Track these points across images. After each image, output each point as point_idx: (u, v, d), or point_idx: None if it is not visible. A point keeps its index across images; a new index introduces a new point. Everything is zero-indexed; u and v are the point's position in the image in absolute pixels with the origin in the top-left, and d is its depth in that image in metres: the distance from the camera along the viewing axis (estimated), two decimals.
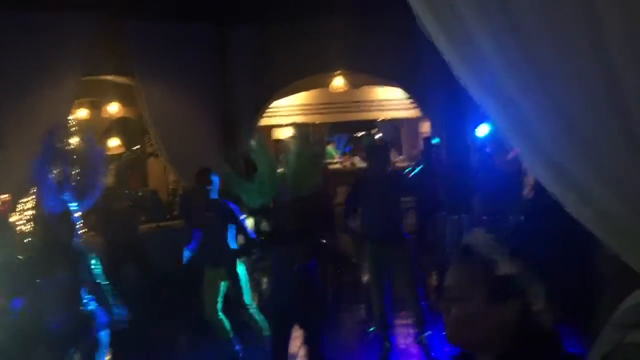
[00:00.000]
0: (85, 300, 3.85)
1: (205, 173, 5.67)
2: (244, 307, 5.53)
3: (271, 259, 4.53)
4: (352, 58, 10.07)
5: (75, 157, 4.14)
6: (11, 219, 9.01)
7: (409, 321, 5.94)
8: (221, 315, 5.45)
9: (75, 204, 4.00)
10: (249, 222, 9.56)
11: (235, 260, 5.44)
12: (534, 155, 1.68)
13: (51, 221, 3.88)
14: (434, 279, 8.18)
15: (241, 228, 5.60)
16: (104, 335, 3.88)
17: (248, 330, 5.59)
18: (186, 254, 5.73)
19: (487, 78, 1.61)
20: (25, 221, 8.86)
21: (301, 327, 4.25)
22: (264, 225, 8.75)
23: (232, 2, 9.41)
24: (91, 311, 3.86)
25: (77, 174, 4.11)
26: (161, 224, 9.49)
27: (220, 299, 5.45)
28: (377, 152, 5.70)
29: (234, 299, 5.59)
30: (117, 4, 8.17)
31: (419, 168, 8.42)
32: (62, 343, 3.78)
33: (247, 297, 5.56)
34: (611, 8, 1.33)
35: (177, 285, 7.07)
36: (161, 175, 11.60)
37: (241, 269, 5.52)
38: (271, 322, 4.57)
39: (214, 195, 5.58)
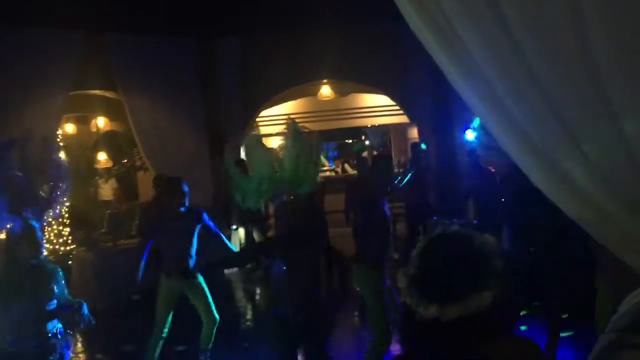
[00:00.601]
0: (51, 324, 3.65)
1: (177, 182, 5.27)
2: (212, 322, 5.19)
3: (273, 266, 4.28)
4: (337, 67, 10.12)
5: (35, 170, 3.94)
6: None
7: None
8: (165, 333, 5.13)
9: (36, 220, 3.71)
10: (240, 232, 9.53)
11: (197, 272, 5.17)
12: (531, 159, 1.69)
13: (12, 241, 3.60)
14: None
15: (217, 236, 5.32)
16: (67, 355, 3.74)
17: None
18: (142, 269, 5.19)
19: (479, 82, 1.62)
20: None
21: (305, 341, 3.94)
22: (258, 235, 8.76)
23: (217, 15, 9.43)
24: (57, 333, 3.67)
25: (39, 188, 3.94)
26: None
27: (170, 317, 5.12)
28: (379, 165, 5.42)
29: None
30: (101, 19, 8.18)
31: (410, 175, 8.44)
32: None
33: (214, 310, 5.24)
34: (597, 12, 1.35)
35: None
36: (151, 189, 11.54)
37: (202, 281, 5.22)
38: (278, 338, 3.98)
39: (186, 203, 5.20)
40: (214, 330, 5.24)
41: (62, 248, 8.92)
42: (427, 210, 8.61)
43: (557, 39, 1.44)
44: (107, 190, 11.30)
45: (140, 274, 5.10)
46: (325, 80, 11.51)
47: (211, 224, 5.35)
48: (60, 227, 9.14)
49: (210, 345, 5.26)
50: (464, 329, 1.52)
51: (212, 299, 5.25)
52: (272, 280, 4.10)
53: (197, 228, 5.22)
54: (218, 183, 8.90)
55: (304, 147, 3.89)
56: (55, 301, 3.64)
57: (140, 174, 10.92)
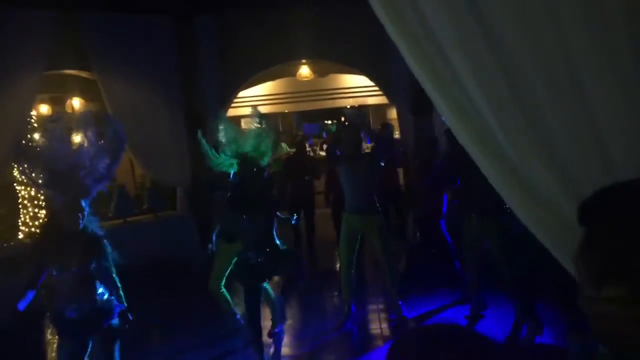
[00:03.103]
0: (100, 289, 3.86)
1: None
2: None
3: (239, 225, 5.05)
4: (316, 47, 10.07)
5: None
6: None
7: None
8: (223, 288, 5.76)
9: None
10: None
11: None
12: (488, 156, 1.68)
13: (59, 210, 3.82)
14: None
15: None
16: (116, 323, 3.89)
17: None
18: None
19: (424, 59, 1.62)
20: None
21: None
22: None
23: None
24: (107, 300, 3.88)
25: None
26: (129, 219, 9.40)
27: (227, 273, 5.74)
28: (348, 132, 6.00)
29: None
30: None
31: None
32: (79, 331, 3.81)
33: None
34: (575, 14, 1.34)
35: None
36: (128, 169, 11.49)
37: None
38: (244, 282, 5.01)
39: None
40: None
41: (39, 230, 8.85)
42: (396, 194, 8.71)
43: (539, 39, 1.42)
44: None
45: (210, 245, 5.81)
46: (304, 61, 11.47)
47: None
48: (36, 210, 9.06)
49: None
50: None
51: None
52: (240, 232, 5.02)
53: None
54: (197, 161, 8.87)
55: (264, 128, 4.87)
56: (98, 267, 3.83)
57: None
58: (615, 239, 1.05)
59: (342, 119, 16.67)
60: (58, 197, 3.80)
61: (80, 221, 3.78)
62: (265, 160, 4.91)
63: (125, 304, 3.95)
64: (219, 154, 4.92)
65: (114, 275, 3.91)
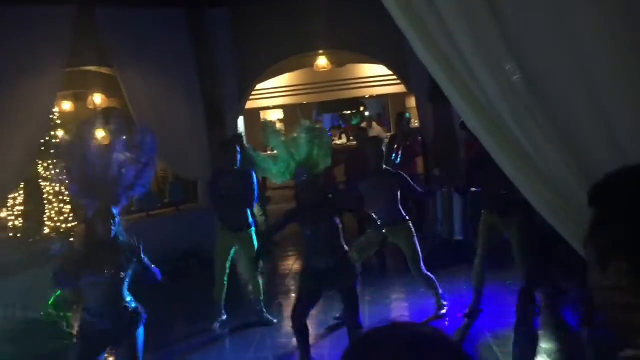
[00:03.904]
0: (128, 298, 3.92)
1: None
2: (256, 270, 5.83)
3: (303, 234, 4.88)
4: (333, 37, 10.03)
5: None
6: (1, 215, 9.07)
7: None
8: (225, 281, 5.98)
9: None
10: None
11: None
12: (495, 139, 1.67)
13: (91, 219, 3.90)
14: None
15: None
16: (141, 333, 3.94)
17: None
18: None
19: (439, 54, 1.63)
20: (15, 217, 8.89)
21: (337, 289, 4.86)
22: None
23: None
24: (134, 308, 3.93)
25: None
26: (151, 212, 9.51)
27: (229, 264, 5.91)
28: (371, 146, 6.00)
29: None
30: None
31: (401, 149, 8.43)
32: (105, 339, 3.87)
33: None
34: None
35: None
36: None
37: (254, 236, 6.04)
38: (303, 286, 4.88)
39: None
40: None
41: (64, 225, 8.99)
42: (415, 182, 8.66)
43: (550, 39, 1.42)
44: None
45: None
46: (321, 51, 11.44)
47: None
48: (61, 205, 9.20)
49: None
50: None
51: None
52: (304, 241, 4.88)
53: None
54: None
55: (316, 135, 4.68)
56: (129, 274, 3.91)
57: None
58: (622, 220, 1.06)
59: (361, 108, 16.69)
60: (90, 204, 3.88)
61: (113, 228, 3.84)
62: (320, 168, 4.71)
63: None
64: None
65: (155, 273, 4.01)
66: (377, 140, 6.09)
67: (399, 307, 6.46)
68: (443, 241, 8.35)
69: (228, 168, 6.05)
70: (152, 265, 4.01)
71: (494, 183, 4.84)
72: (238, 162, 6.03)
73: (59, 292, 6.09)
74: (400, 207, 5.86)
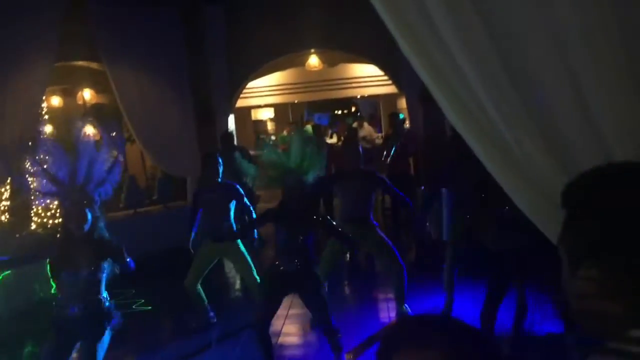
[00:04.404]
0: (104, 294, 3.91)
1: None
2: (252, 282, 5.80)
3: (277, 235, 4.96)
4: (325, 36, 10.03)
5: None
6: None
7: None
8: (199, 287, 5.91)
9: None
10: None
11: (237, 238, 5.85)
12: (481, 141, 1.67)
13: (64, 216, 3.92)
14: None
15: (246, 208, 6.01)
16: (107, 335, 3.90)
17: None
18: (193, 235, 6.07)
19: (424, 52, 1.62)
20: (1, 212, 8.81)
21: (300, 295, 4.81)
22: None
23: None
24: (107, 308, 3.91)
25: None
26: (139, 209, 9.46)
27: (205, 273, 5.88)
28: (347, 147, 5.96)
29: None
30: None
31: (394, 148, 8.43)
32: (75, 330, 3.84)
33: (254, 272, 5.87)
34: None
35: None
36: (138, 160, 11.55)
37: (242, 247, 5.88)
38: (268, 288, 4.78)
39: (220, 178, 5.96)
40: None
41: (51, 221, 8.93)
42: (408, 181, 8.71)
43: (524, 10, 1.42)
44: None
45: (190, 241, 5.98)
46: (313, 50, 11.43)
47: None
48: (48, 200, 9.13)
49: None
50: None
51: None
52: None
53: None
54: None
55: (308, 143, 4.62)
56: (105, 271, 3.89)
57: (127, 145, 10.89)
58: (591, 219, 1.07)
59: (353, 109, 16.69)
60: (61, 203, 3.87)
61: (85, 226, 3.81)
62: (310, 177, 4.63)
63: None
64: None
65: (129, 264, 3.97)
66: (354, 140, 6.05)
67: (389, 307, 6.45)
68: (431, 242, 8.36)
69: (210, 182, 5.96)
70: (128, 258, 4.01)
71: (468, 186, 4.83)
72: (220, 175, 5.93)
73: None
74: (370, 210, 5.76)
